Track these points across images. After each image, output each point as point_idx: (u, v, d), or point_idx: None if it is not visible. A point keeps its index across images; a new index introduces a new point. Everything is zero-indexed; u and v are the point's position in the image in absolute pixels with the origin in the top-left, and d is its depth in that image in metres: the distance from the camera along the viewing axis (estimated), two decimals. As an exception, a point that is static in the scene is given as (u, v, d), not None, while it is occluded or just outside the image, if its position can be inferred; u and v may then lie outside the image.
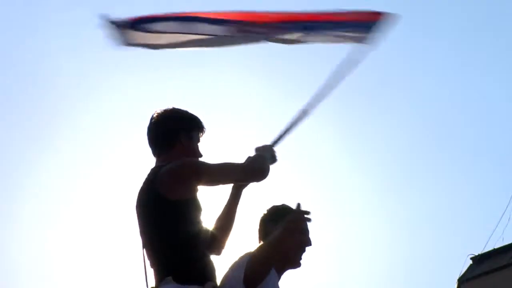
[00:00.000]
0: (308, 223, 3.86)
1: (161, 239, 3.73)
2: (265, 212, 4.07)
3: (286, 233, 3.66)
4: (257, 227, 4.07)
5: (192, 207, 3.76)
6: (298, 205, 3.69)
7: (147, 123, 4.01)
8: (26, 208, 17.57)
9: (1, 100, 18.93)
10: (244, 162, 3.93)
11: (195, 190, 3.77)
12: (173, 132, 3.91)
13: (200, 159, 3.95)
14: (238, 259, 3.82)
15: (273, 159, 4.06)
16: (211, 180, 3.83)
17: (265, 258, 3.72)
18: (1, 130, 19.40)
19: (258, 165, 3.94)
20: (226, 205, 4.11)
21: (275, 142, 4.16)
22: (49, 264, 18.51)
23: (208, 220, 3.91)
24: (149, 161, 3.96)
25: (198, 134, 3.99)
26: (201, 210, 3.82)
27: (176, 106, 4.03)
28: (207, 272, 3.72)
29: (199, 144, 3.98)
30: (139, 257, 3.83)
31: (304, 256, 4.01)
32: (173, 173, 3.75)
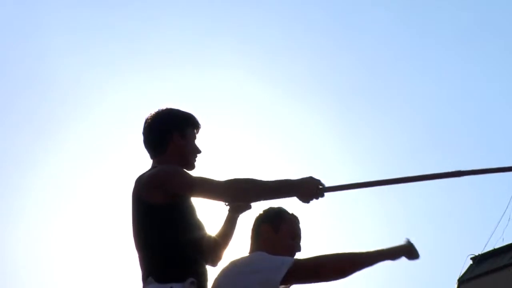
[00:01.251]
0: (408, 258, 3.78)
1: (142, 240, 3.74)
2: (261, 212, 4.07)
3: (385, 257, 3.71)
4: (251, 226, 4.06)
5: (174, 211, 3.71)
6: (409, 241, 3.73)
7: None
8: (26, 207, 17.59)
9: (1, 100, 18.95)
10: (224, 181, 3.73)
11: (175, 196, 3.71)
12: (165, 133, 3.87)
13: (198, 155, 3.92)
14: (254, 257, 3.81)
15: (303, 196, 3.79)
16: (188, 189, 3.74)
17: (344, 269, 3.71)
18: (1, 130, 19.42)
19: (239, 187, 3.74)
20: (222, 225, 4.07)
21: (335, 188, 3.88)
22: (49, 264, 18.54)
23: (206, 225, 3.88)
24: (149, 161, 3.96)
25: (193, 131, 3.94)
26: (187, 215, 3.77)
27: (170, 106, 3.97)
28: (192, 271, 3.66)
29: (196, 141, 3.93)
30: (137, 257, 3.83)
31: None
32: (151, 179, 3.74)
